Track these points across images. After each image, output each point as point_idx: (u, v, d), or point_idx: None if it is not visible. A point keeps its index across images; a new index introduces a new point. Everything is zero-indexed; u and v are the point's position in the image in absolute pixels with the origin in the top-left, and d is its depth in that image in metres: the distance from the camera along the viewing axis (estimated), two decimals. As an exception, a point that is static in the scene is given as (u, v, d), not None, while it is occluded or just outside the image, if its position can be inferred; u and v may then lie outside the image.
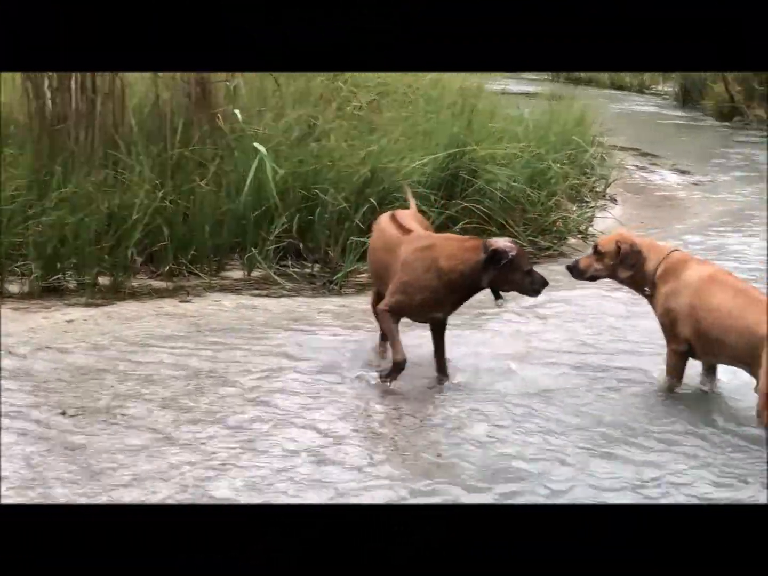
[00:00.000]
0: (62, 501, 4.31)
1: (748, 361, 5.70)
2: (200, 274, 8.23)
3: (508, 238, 6.35)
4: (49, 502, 4.31)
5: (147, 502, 4.36)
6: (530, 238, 9.35)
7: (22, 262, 7.66)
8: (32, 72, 7.83)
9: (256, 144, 8.26)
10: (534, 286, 5.91)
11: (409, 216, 6.46)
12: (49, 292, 7.61)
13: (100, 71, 7.96)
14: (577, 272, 6.29)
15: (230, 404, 5.80)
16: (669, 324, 6.02)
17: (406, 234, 6.15)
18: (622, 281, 6.23)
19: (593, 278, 6.32)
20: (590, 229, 10.19)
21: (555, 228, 9.70)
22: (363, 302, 7.82)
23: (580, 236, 10.01)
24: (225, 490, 4.71)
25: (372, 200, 8.59)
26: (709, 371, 6.16)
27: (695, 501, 4.36)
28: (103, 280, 7.84)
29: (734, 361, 5.87)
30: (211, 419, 5.59)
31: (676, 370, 6.08)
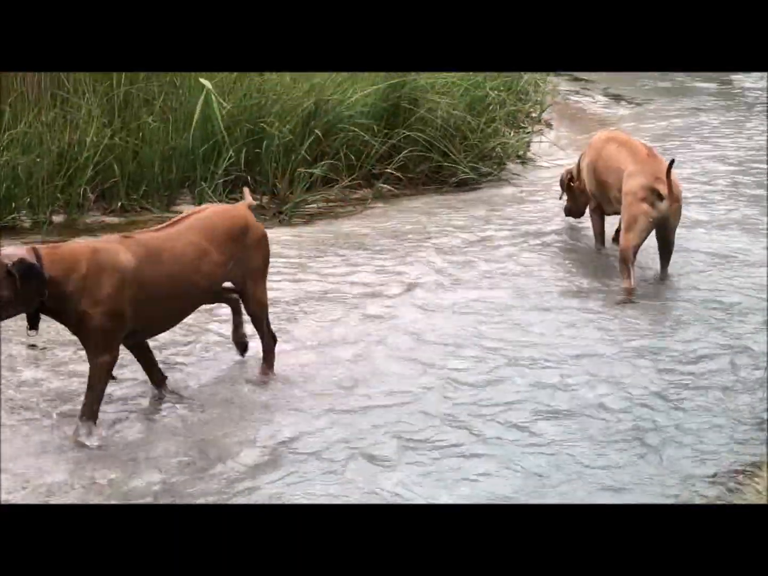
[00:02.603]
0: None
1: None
2: (152, 209, 8.41)
3: None
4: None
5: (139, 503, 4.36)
6: (471, 164, 9.61)
7: (-23, 204, 7.78)
8: (32, 72, 7.94)
9: (201, 79, 8.39)
10: None
11: None
12: (6, 230, 7.73)
13: (100, 71, 8.08)
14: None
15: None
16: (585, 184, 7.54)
17: None
18: None
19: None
20: (528, 153, 10.48)
21: (494, 154, 9.97)
22: (312, 231, 8.10)
23: (518, 161, 10.29)
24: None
25: (317, 131, 8.81)
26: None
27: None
28: (57, 218, 8.01)
29: (619, 204, 7.01)
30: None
31: (596, 229, 7.61)
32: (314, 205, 8.81)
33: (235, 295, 5.48)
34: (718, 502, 3.64)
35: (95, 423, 4.80)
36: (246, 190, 5.89)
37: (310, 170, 8.71)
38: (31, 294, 4.47)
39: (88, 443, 4.75)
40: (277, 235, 8.03)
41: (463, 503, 3.86)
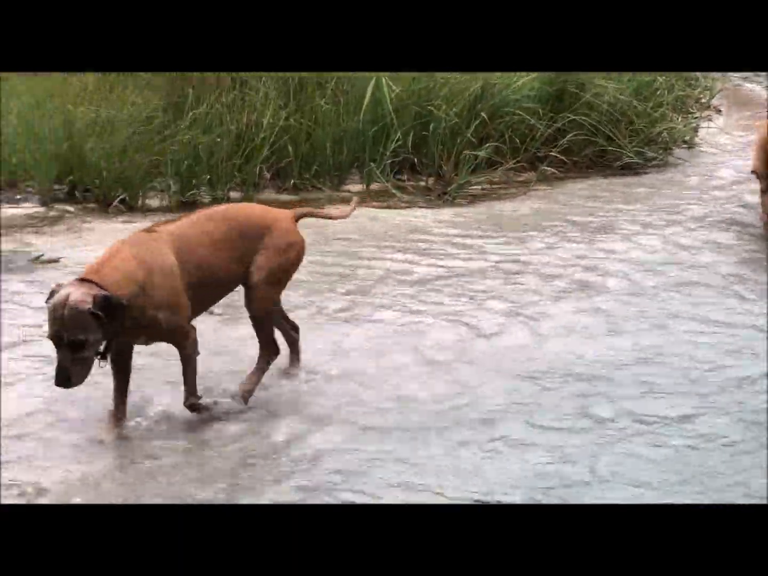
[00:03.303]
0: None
1: None
2: (323, 188, 8.78)
3: None
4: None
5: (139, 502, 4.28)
6: (636, 148, 9.65)
7: (161, 179, 8.30)
8: (31, 72, 7.95)
9: (373, 64, 8.69)
10: None
11: None
12: (186, 206, 8.23)
13: (99, 71, 8.30)
14: None
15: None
16: None
17: None
18: None
19: None
20: (695, 139, 10.44)
21: (660, 139, 9.98)
22: (477, 212, 8.33)
23: (685, 146, 10.27)
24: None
25: (483, 114, 9.02)
26: None
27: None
28: (234, 195, 8.46)
29: None
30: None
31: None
32: (478, 187, 9.02)
33: (293, 334, 5.39)
34: (718, 502, 3.51)
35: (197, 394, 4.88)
36: (355, 199, 5.73)
37: (475, 152, 8.93)
38: (115, 326, 4.34)
39: (202, 405, 4.89)
40: (441, 216, 8.31)
41: (462, 503, 3.76)
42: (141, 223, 7.63)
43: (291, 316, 5.54)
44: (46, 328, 4.38)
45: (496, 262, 7.14)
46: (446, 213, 8.43)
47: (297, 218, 5.21)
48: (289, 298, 5.81)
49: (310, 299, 6.38)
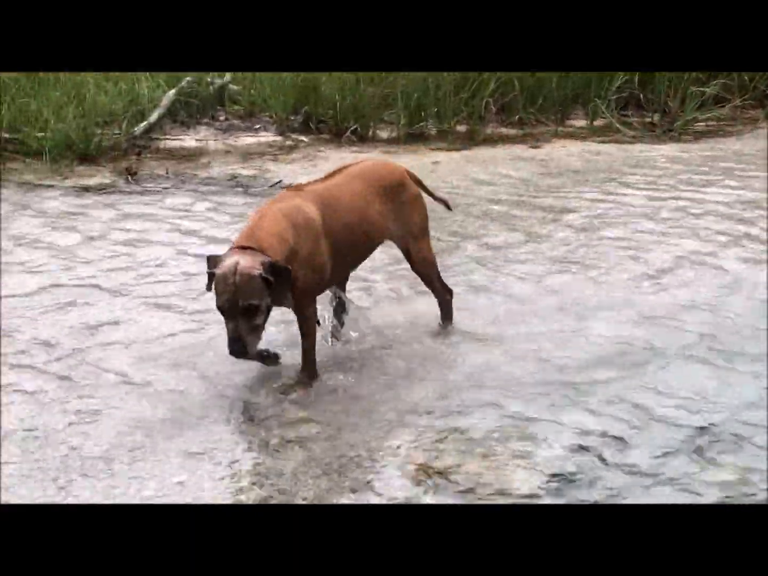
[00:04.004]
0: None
1: None
2: (546, 122, 8.92)
3: None
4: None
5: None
6: None
7: (391, 111, 8.61)
8: (30, 72, 8.06)
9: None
10: None
11: None
12: (413, 138, 8.53)
13: (99, 71, 8.30)
14: None
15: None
16: None
17: None
18: None
19: None
20: None
21: None
22: (702, 149, 8.30)
23: None
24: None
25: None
26: None
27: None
28: (460, 128, 8.71)
29: None
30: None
31: None
32: (704, 124, 8.97)
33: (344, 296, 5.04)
34: (718, 502, 3.39)
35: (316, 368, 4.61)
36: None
37: (702, 89, 8.87)
38: (281, 291, 4.23)
39: (311, 386, 4.53)
40: (666, 151, 8.32)
41: (463, 503, 3.54)
42: (371, 153, 8.01)
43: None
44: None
45: (723, 201, 7.07)
46: (671, 149, 8.42)
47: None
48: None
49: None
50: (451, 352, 4.83)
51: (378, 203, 4.73)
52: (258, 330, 4.22)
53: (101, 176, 7.48)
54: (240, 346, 4.15)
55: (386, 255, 5.61)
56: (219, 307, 4.16)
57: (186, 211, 6.77)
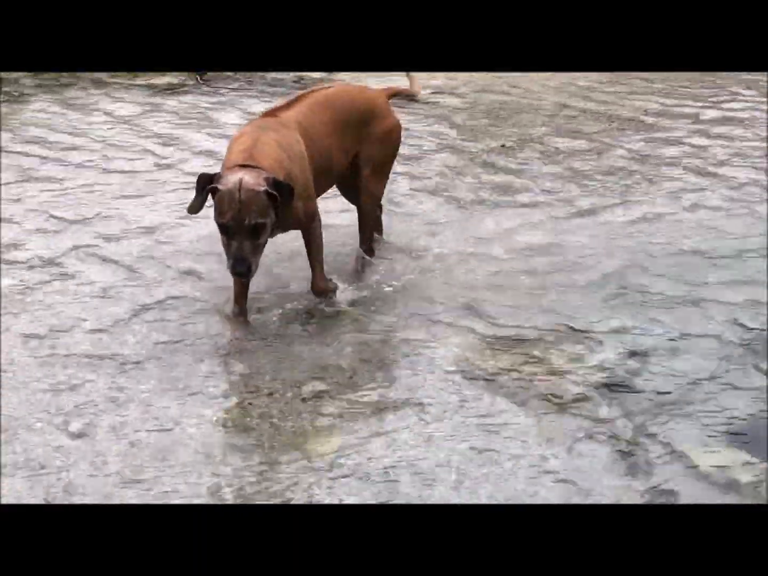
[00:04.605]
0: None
1: None
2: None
3: None
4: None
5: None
6: None
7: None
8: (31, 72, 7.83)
9: None
10: None
11: None
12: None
13: (98, 71, 7.95)
14: None
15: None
16: None
17: None
18: None
19: None
20: None
21: None
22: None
23: None
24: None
25: None
26: None
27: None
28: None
29: None
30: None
31: None
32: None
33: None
34: (718, 502, 3.37)
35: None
36: (413, 75, 5.20)
37: None
38: (284, 210, 4.14)
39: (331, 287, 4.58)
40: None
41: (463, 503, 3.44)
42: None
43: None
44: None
45: None
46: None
47: (389, 97, 4.96)
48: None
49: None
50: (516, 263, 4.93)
51: (348, 134, 4.63)
52: (260, 249, 4.16)
53: (171, 76, 7.55)
54: (245, 266, 4.07)
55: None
56: (222, 225, 4.08)
57: (250, 113, 6.80)
